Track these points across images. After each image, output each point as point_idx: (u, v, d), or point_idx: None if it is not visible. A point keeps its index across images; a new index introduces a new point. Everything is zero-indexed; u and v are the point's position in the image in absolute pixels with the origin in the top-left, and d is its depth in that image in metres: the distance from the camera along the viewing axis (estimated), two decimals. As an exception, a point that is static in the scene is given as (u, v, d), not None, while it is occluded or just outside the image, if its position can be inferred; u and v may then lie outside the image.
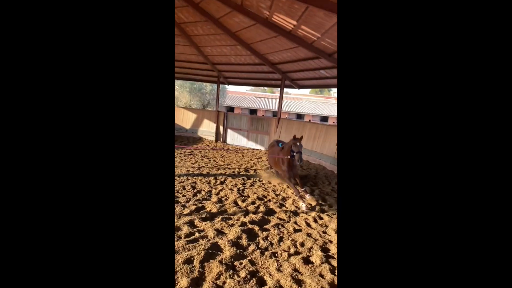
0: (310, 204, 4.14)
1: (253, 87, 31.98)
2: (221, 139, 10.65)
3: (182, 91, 19.57)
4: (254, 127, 10.10)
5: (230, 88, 24.30)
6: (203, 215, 3.42)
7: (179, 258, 2.40)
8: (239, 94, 29.70)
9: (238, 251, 2.60)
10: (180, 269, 2.26)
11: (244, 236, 2.90)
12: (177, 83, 19.13)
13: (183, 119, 11.42)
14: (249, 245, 2.76)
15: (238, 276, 2.24)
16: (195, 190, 4.42)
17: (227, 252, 2.58)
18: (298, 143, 4.15)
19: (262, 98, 28.64)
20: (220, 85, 11.45)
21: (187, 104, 19.37)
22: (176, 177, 5.08)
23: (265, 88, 29.59)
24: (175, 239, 2.77)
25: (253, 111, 26.20)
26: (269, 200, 4.25)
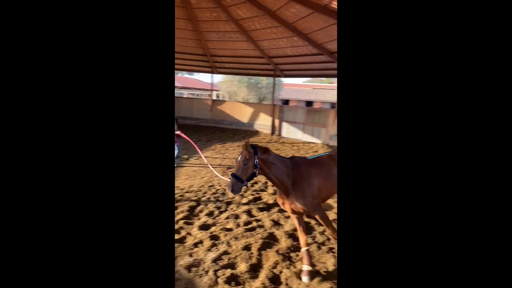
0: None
1: (309, 79, 31.06)
2: (277, 132, 10.72)
3: (240, 86, 20.29)
4: (310, 120, 9.85)
5: (286, 80, 24.11)
6: (260, 205, 3.54)
7: (239, 244, 2.55)
8: (295, 87, 29.24)
9: (294, 243, 2.62)
10: (240, 254, 2.40)
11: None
12: (235, 78, 19.89)
13: (241, 113, 11.86)
14: (305, 238, 2.75)
15: (295, 267, 2.27)
16: (252, 181, 4.59)
17: (284, 243, 2.63)
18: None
19: (319, 90, 27.60)
20: (276, 78, 11.47)
21: (244, 98, 20.01)
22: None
23: (322, 79, 28.40)
24: (235, 226, 2.95)
25: (309, 103, 25.51)
26: (326, 195, 4.14)
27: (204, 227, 2.94)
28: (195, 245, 2.57)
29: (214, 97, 17.53)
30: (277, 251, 2.47)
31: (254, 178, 2.19)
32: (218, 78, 24.00)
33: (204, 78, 27.54)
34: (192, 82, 24.99)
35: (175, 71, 24.21)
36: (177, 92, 20.27)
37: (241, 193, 3.96)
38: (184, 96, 20.17)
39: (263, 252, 2.47)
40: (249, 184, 4.33)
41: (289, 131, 10.49)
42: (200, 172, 5.05)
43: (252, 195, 3.93)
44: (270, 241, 2.65)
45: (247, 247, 2.53)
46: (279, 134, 10.64)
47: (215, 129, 11.06)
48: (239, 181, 2.01)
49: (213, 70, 11.84)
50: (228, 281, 2.08)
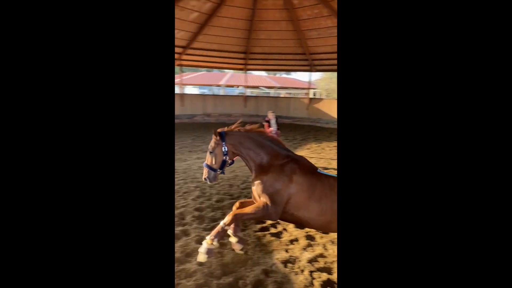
0: None
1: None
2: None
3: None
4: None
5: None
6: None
7: (335, 249, 2.44)
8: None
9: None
10: (336, 260, 2.29)
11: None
12: (334, 75, 19.01)
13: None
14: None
15: None
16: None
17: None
18: None
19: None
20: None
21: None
22: (333, 170, 5.13)
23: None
24: (331, 230, 2.83)
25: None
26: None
27: (300, 225, 2.95)
28: (291, 241, 2.62)
29: (311, 96, 17.31)
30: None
31: (231, 164, 2.30)
32: (315, 76, 23.56)
33: (302, 77, 27.62)
34: (290, 82, 25.50)
35: (274, 72, 25.27)
36: (274, 92, 21.16)
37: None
38: (281, 95, 20.83)
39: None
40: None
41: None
42: (296, 171, 5.10)
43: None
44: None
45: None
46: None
47: (311, 128, 10.92)
48: (211, 170, 2.18)
49: (311, 68, 11.70)
50: (324, 285, 2.01)
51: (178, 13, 7.82)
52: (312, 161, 5.79)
